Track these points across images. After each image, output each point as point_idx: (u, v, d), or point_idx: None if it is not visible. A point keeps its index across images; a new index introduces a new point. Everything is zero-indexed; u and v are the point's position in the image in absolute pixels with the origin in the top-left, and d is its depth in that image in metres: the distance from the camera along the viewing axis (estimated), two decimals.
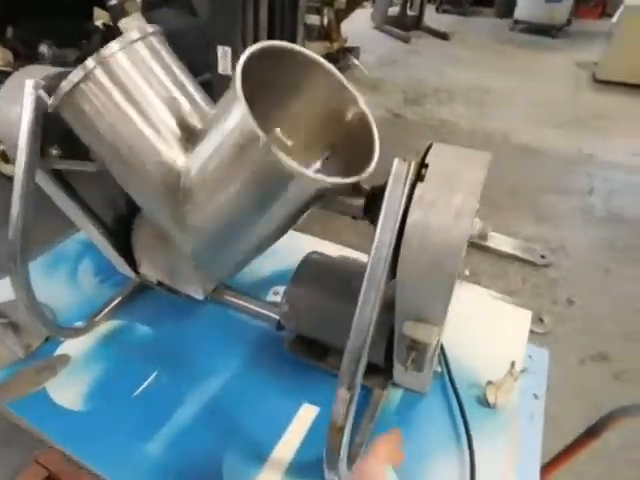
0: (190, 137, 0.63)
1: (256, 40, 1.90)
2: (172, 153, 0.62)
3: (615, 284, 2.29)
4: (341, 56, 4.12)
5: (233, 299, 0.98)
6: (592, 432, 0.97)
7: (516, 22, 6.28)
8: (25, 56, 2.25)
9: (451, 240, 0.47)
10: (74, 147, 0.76)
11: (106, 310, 0.97)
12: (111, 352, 0.90)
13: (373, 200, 0.55)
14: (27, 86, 0.69)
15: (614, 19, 4.73)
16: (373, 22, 5.81)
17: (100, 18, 2.67)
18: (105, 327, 0.95)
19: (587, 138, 3.61)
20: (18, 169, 0.71)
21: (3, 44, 2.43)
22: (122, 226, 0.94)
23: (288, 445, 0.76)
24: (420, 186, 0.48)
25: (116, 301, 0.99)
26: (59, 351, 0.90)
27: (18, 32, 2.46)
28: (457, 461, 0.75)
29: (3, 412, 0.81)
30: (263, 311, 0.95)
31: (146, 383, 0.84)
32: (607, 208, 2.81)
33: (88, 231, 0.93)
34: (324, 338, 0.83)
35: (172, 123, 0.64)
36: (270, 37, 1.93)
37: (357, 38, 4.83)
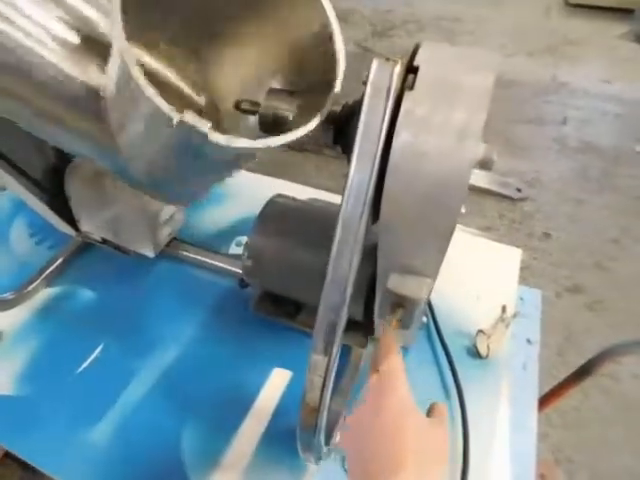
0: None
1: None
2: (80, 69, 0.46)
3: (588, 214, 2.25)
4: None
5: (189, 254, 0.86)
6: (584, 371, 0.92)
7: None
8: None
9: (453, 168, 0.36)
10: None
11: (42, 276, 0.84)
12: (49, 324, 0.78)
13: (346, 122, 0.43)
14: None
15: None
16: None
17: None
18: (42, 295, 0.82)
19: (560, 66, 3.48)
20: None
21: None
22: (53, 177, 0.79)
23: (259, 416, 0.67)
24: (408, 97, 0.36)
25: (54, 265, 0.86)
26: None
27: None
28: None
29: None
30: (224, 266, 0.84)
31: (90, 358, 0.73)
32: (580, 137, 2.74)
33: (13, 187, 0.78)
34: (294, 294, 0.72)
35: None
36: None
37: None
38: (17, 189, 0.77)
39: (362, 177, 0.37)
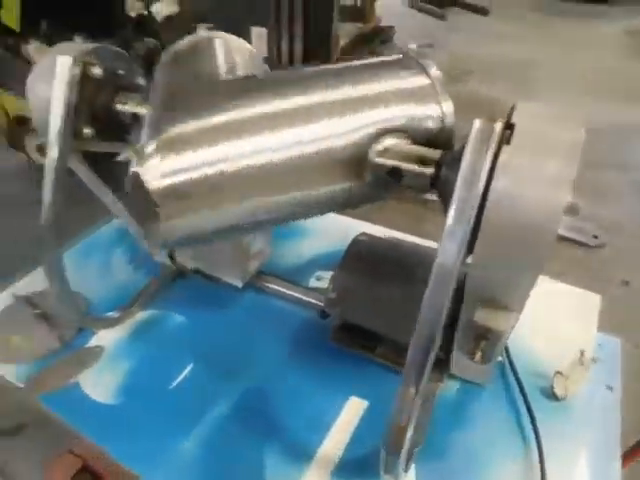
0: None
1: (291, 20, 1.81)
2: None
3: None
4: (375, 36, 3.98)
5: (273, 285, 0.92)
6: None
7: None
8: None
9: (546, 213, 0.39)
10: (107, 127, 0.71)
11: (140, 299, 0.92)
12: (145, 343, 0.85)
13: (446, 169, 0.47)
14: (62, 61, 0.63)
15: None
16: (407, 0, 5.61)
17: (133, 9, 2.63)
18: (140, 317, 0.90)
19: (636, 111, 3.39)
20: (51, 151, 0.66)
21: (38, 38, 2.41)
22: None
23: (335, 443, 0.70)
24: (506, 150, 0.40)
25: (151, 290, 0.94)
26: (93, 342, 0.86)
27: (52, 25, 2.43)
28: (523, 460, 0.67)
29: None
30: (305, 298, 0.89)
31: (182, 376, 0.79)
32: None
33: (122, 216, 0.87)
34: (374, 326, 0.76)
35: None
36: (305, 17, 1.83)
37: (391, 17, 4.65)
38: (121, 216, 0.87)
39: (462, 219, 0.41)
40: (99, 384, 0.79)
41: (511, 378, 0.77)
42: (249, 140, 0.50)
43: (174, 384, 0.78)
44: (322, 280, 0.96)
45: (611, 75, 4.01)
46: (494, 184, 0.40)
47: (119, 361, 0.82)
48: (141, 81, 0.74)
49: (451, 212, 0.41)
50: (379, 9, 4.30)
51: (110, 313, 0.88)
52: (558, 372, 0.75)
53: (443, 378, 0.74)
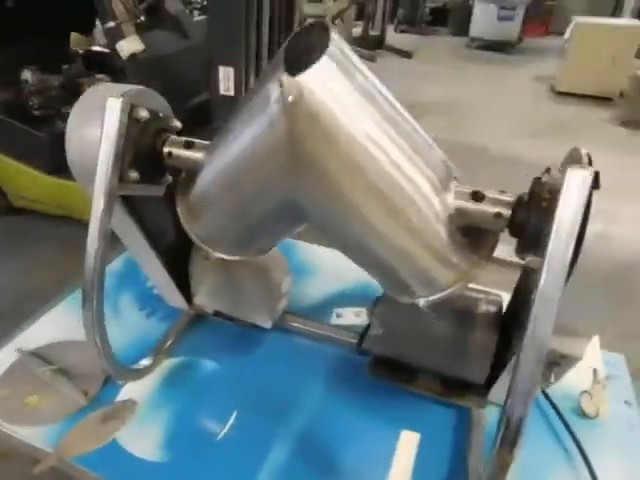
0: None
1: (258, 59, 1.86)
2: None
3: None
4: None
5: (300, 325, 0.93)
6: None
7: (472, 40, 6.56)
8: (6, 82, 2.12)
9: (635, 251, 0.45)
10: (150, 170, 0.70)
11: (166, 346, 0.89)
12: (180, 392, 0.82)
13: (525, 211, 0.52)
14: (112, 104, 0.63)
15: (566, 35, 5.00)
16: None
17: (78, 44, 2.57)
18: (168, 365, 0.87)
19: (558, 146, 3.73)
20: (97, 198, 0.65)
21: None
22: (178, 255, 0.87)
23: (400, 477, 0.71)
24: (596, 195, 0.46)
25: (174, 336, 0.92)
26: (121, 396, 0.81)
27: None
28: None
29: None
30: (336, 336, 0.90)
31: (227, 425, 0.77)
32: None
33: (146, 260, 0.85)
34: (418, 359, 0.79)
35: None
36: (271, 56, 1.90)
37: None
38: (149, 262, 0.84)
39: (560, 259, 0.45)
40: (139, 439, 0.75)
41: (542, 400, 0.82)
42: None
43: (221, 434, 0.76)
44: (342, 317, 0.98)
45: (527, 115, 4.45)
46: (589, 227, 0.45)
47: (157, 413, 0.79)
48: (177, 123, 0.75)
49: (548, 254, 0.45)
50: None
51: (133, 365, 0.85)
52: (585, 391, 0.81)
53: (484, 404, 0.78)
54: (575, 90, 4.83)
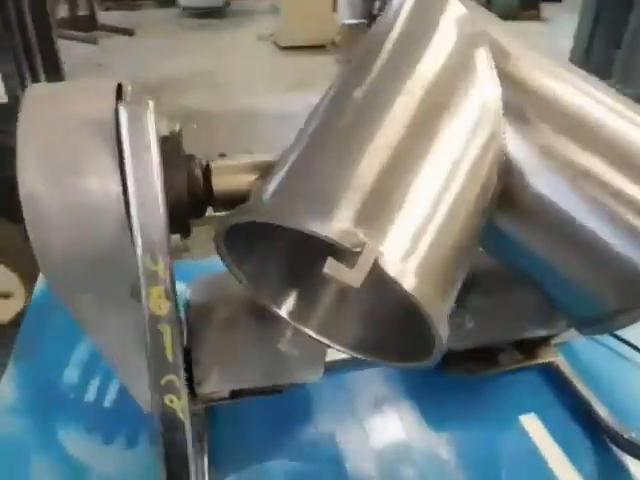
0: None
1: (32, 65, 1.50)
2: None
3: None
4: None
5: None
6: None
7: (184, 9, 6.38)
8: None
9: None
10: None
11: None
12: None
13: None
14: (132, 113, 0.35)
15: None
16: None
17: None
18: None
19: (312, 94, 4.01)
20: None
21: None
22: None
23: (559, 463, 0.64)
24: None
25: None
26: None
27: None
28: None
29: None
30: None
31: None
32: None
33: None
34: (509, 335, 0.72)
35: None
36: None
37: None
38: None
39: None
40: None
41: None
42: None
43: None
44: None
45: (271, 69, 4.75)
46: None
47: None
48: None
49: None
50: None
51: None
52: None
53: None
54: (295, 43, 5.29)
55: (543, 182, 0.40)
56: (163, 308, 0.35)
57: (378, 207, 0.35)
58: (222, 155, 0.48)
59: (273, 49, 5.37)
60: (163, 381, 0.38)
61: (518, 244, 0.45)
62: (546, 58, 0.45)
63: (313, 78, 4.42)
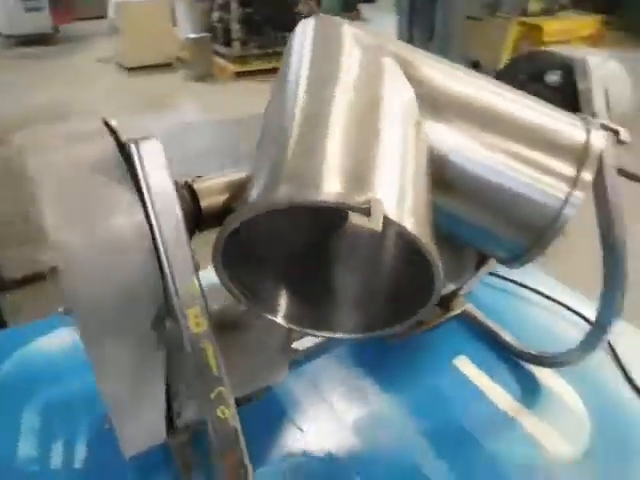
0: None
1: None
2: None
3: None
4: None
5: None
6: None
7: (8, 37, 5.78)
8: None
9: None
10: None
11: None
12: None
13: None
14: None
15: (111, 15, 5.10)
16: None
17: None
18: None
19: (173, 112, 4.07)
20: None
21: None
22: None
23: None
24: None
25: None
26: None
27: None
28: None
29: None
30: None
31: None
32: None
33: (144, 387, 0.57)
34: None
35: None
36: None
37: None
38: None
39: None
40: None
41: None
42: None
43: None
44: None
45: (120, 93, 4.62)
46: None
47: None
48: None
49: None
50: None
51: None
52: None
53: None
54: (141, 63, 5.14)
55: (460, 157, 0.52)
56: (202, 325, 0.40)
57: (359, 172, 0.42)
58: (198, 177, 0.51)
59: (118, 71, 5.15)
60: (213, 395, 0.42)
61: (451, 215, 0.58)
62: (438, 62, 0.58)
63: (164, 97, 4.48)
